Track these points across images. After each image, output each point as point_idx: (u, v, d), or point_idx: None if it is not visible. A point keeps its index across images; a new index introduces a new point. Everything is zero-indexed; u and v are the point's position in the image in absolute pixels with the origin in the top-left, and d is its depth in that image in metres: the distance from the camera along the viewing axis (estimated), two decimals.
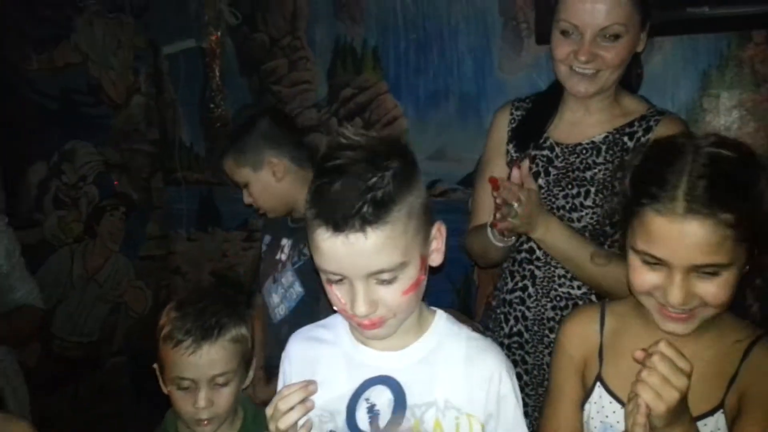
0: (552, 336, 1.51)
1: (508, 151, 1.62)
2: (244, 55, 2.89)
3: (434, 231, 1.02)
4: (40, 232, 2.81)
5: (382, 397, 1.02)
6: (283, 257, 1.88)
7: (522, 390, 1.51)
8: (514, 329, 1.57)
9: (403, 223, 0.93)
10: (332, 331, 1.10)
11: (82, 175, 2.94)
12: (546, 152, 1.55)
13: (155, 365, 1.38)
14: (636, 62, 1.55)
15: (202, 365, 1.28)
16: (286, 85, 2.79)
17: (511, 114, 1.63)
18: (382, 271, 0.93)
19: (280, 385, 1.12)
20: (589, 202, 1.48)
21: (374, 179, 0.90)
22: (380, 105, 2.57)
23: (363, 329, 1.00)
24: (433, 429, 1.00)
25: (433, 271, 1.04)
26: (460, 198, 2.41)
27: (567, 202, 1.50)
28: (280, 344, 1.76)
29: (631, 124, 1.50)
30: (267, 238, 1.99)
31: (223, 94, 2.96)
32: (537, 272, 1.54)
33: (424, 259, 0.99)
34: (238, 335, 1.34)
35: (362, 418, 1.03)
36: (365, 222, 0.90)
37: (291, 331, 1.75)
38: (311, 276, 1.70)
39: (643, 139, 1.47)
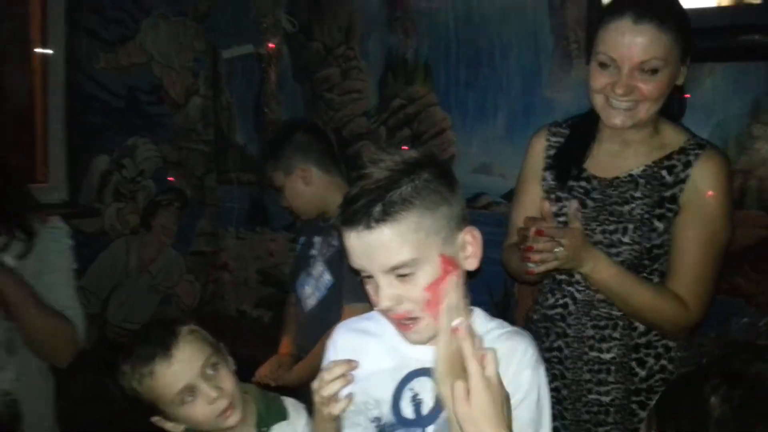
0: (592, 353, 1.53)
1: (544, 178, 1.62)
2: (299, 62, 2.98)
3: (464, 236, 1.08)
4: (100, 221, 2.98)
5: (425, 388, 1.09)
6: (314, 252, 2.04)
7: (560, 403, 1.56)
8: (554, 344, 1.58)
9: (414, 222, 1.01)
10: (379, 324, 1.15)
11: (141, 169, 3.09)
12: (583, 184, 1.56)
13: (154, 418, 1.35)
14: (678, 91, 1.52)
15: (184, 369, 1.29)
16: (337, 93, 2.86)
17: (548, 140, 1.63)
18: (395, 267, 1.01)
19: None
20: (627, 239, 1.49)
21: (389, 184, 1.01)
22: (429, 117, 2.63)
23: (401, 331, 1.07)
24: None
25: (471, 275, 1.11)
26: (503, 211, 2.43)
27: (605, 238, 1.50)
28: (312, 330, 1.92)
29: (669, 157, 1.49)
30: (302, 239, 2.17)
31: (277, 99, 3.06)
32: (577, 294, 1.56)
33: (446, 259, 1.04)
34: (190, 329, 1.34)
35: (406, 407, 1.10)
36: (372, 219, 1.00)
37: (321, 317, 1.92)
38: (338, 265, 1.83)
39: (682, 174, 1.47)
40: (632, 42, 1.38)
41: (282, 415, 1.40)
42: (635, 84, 1.40)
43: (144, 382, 1.29)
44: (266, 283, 3.27)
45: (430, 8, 2.58)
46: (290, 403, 1.44)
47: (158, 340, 1.30)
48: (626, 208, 1.50)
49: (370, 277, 1.04)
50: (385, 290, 1.02)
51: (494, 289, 2.46)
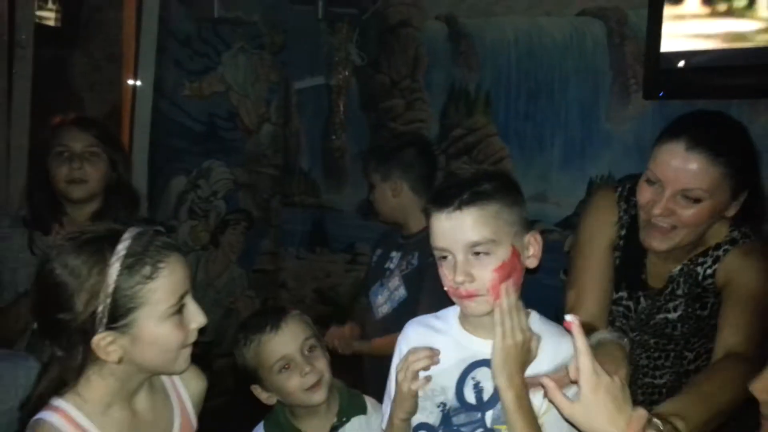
0: (645, 380, 1.60)
1: (616, 251, 1.58)
2: (366, 93, 3.17)
3: (530, 237, 1.23)
4: (175, 237, 3.16)
5: (486, 377, 1.22)
6: (392, 266, 2.18)
7: None
8: None
9: (495, 211, 1.18)
10: (445, 322, 1.31)
11: (214, 190, 3.29)
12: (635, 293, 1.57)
13: (253, 386, 1.53)
14: (757, 194, 1.46)
15: (286, 341, 1.48)
16: (401, 123, 3.03)
17: (619, 216, 1.57)
18: (476, 244, 1.16)
19: (395, 362, 1.32)
20: (677, 333, 1.54)
21: (474, 180, 1.21)
22: (488, 146, 2.77)
23: (463, 302, 1.21)
24: None
25: (530, 272, 1.25)
26: (556, 239, 2.54)
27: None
28: (381, 335, 2.03)
29: (705, 253, 1.49)
30: (378, 251, 2.30)
31: (344, 127, 3.24)
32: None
33: (516, 251, 1.19)
34: (298, 313, 1.55)
35: (469, 393, 1.24)
36: (462, 203, 1.17)
37: (393, 325, 2.03)
38: (415, 283, 1.96)
39: (709, 270, 1.47)
40: (680, 168, 1.36)
41: (362, 410, 1.55)
42: (674, 208, 1.38)
43: (252, 347, 1.48)
44: (322, 302, 3.41)
45: (493, 43, 2.73)
46: (369, 401, 1.58)
47: (271, 316, 1.51)
48: (671, 305, 1.54)
49: (446, 257, 1.19)
50: (461, 266, 1.17)
51: (543, 313, 2.52)
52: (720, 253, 1.48)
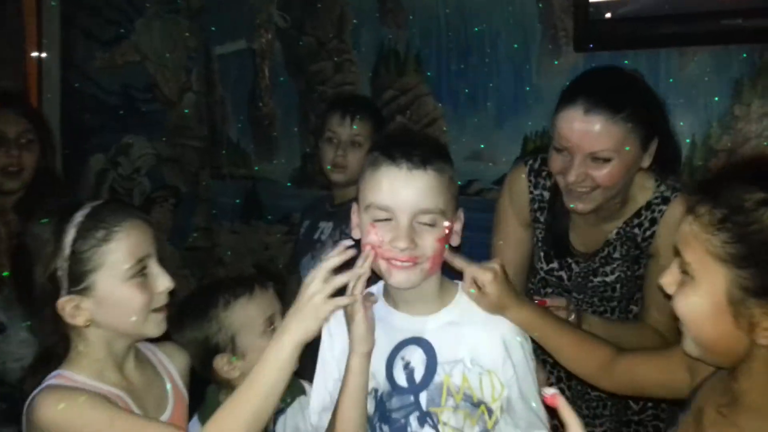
0: (593, 393, 1.59)
1: (534, 228, 1.61)
2: (291, 56, 3.02)
3: (460, 213, 1.18)
4: None
5: (416, 356, 1.17)
6: (323, 237, 2.09)
7: None
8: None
9: (448, 180, 1.12)
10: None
11: (136, 167, 3.12)
12: (567, 258, 1.58)
13: (220, 356, 1.47)
14: (668, 142, 1.48)
15: (273, 300, 1.51)
16: (330, 86, 2.91)
17: (531, 192, 1.60)
18: (428, 211, 1.09)
19: (324, 340, 1.25)
20: (616, 295, 1.56)
21: (434, 142, 1.17)
22: (421, 106, 2.69)
23: (392, 271, 1.11)
24: (461, 383, 1.15)
25: (455, 251, 1.20)
26: (494, 197, 2.50)
27: (594, 301, 1.58)
28: None
29: (638, 214, 1.49)
30: (306, 223, 2.21)
31: (271, 93, 3.09)
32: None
33: (451, 227, 1.14)
34: None
35: (399, 374, 1.17)
36: (425, 160, 1.08)
37: None
38: None
39: (648, 232, 1.47)
40: (582, 132, 1.35)
41: (301, 390, 1.52)
42: (587, 171, 1.38)
43: (236, 308, 1.46)
44: (262, 276, 3.30)
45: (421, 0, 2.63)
46: (305, 383, 1.53)
47: (249, 279, 1.54)
48: (608, 269, 1.54)
49: (385, 220, 1.10)
50: (407, 231, 1.08)
51: None
52: (656, 214, 1.47)
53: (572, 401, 1.61)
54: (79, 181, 2.97)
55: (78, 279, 1.17)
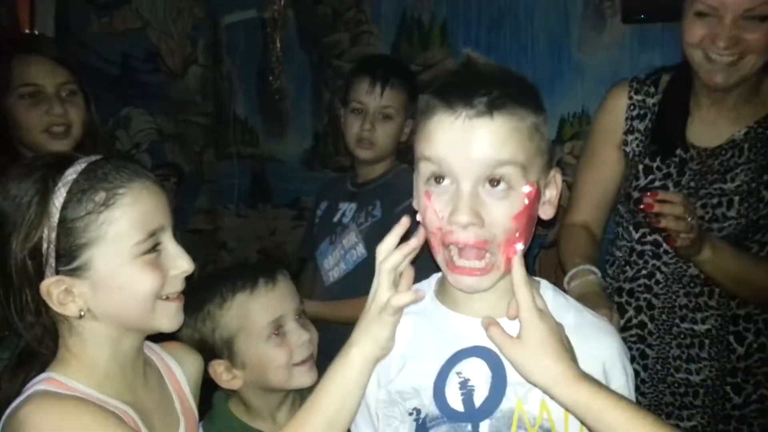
0: (683, 325, 1.42)
1: (626, 143, 1.48)
2: (305, 27, 2.88)
3: (553, 175, 0.92)
4: None
5: (478, 371, 0.90)
6: (345, 219, 1.84)
7: (637, 389, 1.37)
8: (634, 320, 1.47)
9: (530, 129, 0.85)
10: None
11: (136, 142, 2.96)
12: (679, 152, 1.42)
13: (216, 362, 1.25)
14: None
15: (282, 299, 1.26)
16: (347, 60, 2.75)
17: (630, 98, 1.47)
18: (499, 164, 0.83)
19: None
20: (732, 213, 1.37)
21: (505, 78, 0.87)
22: None
23: (457, 273, 0.87)
24: (539, 411, 0.88)
25: (544, 225, 0.94)
26: None
27: (706, 213, 1.38)
28: None
29: None
30: (323, 204, 1.95)
31: (282, 67, 2.94)
32: (665, 268, 1.44)
33: (538, 193, 0.88)
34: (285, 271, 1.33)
35: (453, 395, 0.90)
36: (493, 105, 0.83)
37: (347, 291, 1.73)
38: (378, 239, 1.63)
39: None
40: None
41: None
42: (740, 34, 1.27)
43: (234, 305, 1.22)
44: (274, 264, 3.14)
45: None
46: None
47: (259, 268, 1.27)
48: (729, 176, 1.37)
49: (441, 180, 0.86)
50: (468, 200, 0.83)
51: None
52: None
53: (654, 386, 1.45)
54: None
55: (69, 255, 0.91)
